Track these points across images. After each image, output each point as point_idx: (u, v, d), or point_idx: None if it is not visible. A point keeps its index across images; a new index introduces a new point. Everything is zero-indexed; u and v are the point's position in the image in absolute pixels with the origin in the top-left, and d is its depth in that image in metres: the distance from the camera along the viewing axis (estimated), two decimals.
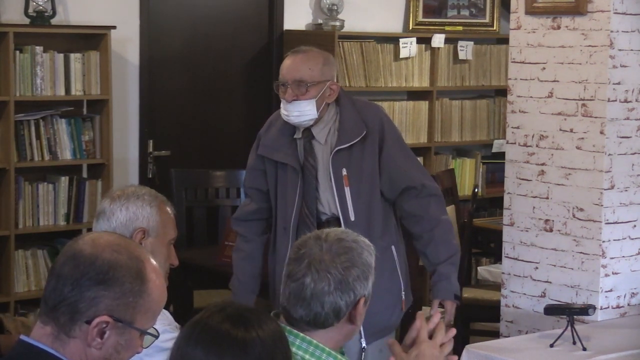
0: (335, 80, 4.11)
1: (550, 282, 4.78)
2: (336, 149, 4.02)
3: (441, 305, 4.16)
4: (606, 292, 4.63)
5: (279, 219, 4.13)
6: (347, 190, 4.03)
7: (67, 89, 5.92)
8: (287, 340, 2.19)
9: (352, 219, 4.01)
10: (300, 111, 4.00)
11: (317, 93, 4.02)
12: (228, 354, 2.05)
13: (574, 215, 4.69)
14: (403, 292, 4.18)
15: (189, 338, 2.10)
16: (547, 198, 4.79)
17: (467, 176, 7.58)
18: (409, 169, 4.12)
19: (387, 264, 4.10)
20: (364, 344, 3.94)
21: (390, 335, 4.21)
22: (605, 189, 4.59)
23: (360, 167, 4.05)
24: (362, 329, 3.79)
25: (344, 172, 4.03)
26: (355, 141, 4.03)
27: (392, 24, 7.41)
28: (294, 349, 2.48)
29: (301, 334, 2.57)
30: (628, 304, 4.70)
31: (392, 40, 7.16)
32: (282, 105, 4.05)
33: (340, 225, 3.97)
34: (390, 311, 4.11)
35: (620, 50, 4.58)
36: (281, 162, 4.09)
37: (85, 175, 6.13)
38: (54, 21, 6.02)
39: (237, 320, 2.09)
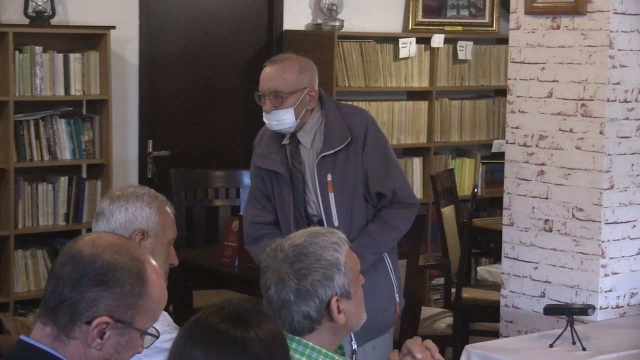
0: (315, 86, 4.13)
1: (550, 282, 4.79)
2: (321, 155, 4.05)
3: None
4: (606, 292, 4.63)
5: (282, 223, 4.16)
6: (331, 195, 4.06)
7: (67, 89, 5.91)
8: (286, 340, 2.19)
9: (336, 224, 4.04)
10: (279, 120, 4.07)
11: (294, 102, 4.06)
12: (227, 353, 2.05)
13: (573, 215, 4.69)
14: (397, 295, 4.20)
15: (188, 338, 2.10)
16: (547, 198, 4.79)
17: (467, 176, 7.58)
18: (383, 176, 4.13)
19: (378, 265, 4.12)
20: (354, 346, 3.95)
21: (384, 335, 4.22)
22: (604, 189, 4.59)
23: (345, 173, 4.08)
24: None
25: (329, 177, 4.06)
26: (339, 148, 4.06)
27: (392, 24, 7.41)
28: (290, 352, 2.48)
29: (297, 337, 2.58)
30: (627, 304, 4.70)
31: (392, 40, 7.16)
32: (263, 114, 4.11)
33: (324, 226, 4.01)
34: (382, 312, 4.13)
35: (619, 50, 4.58)
36: (272, 170, 4.12)
37: (84, 175, 6.13)
38: (53, 21, 6.02)
39: (236, 320, 2.09)
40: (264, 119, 4.12)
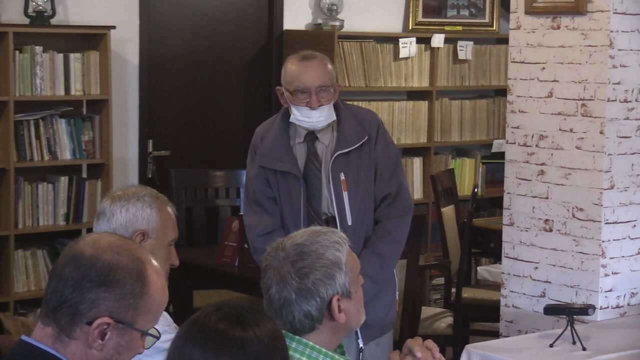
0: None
1: (550, 282, 4.79)
2: (337, 153, 4.04)
3: None
4: (606, 292, 4.63)
5: (289, 223, 4.13)
6: (345, 194, 4.05)
7: (67, 89, 5.91)
8: (285, 340, 2.19)
9: (349, 222, 4.03)
10: (326, 115, 4.05)
11: (334, 95, 4.07)
12: (226, 353, 2.05)
13: (573, 215, 4.69)
14: (397, 293, 4.22)
15: (186, 338, 2.10)
16: (547, 198, 4.79)
17: (467, 176, 7.59)
18: (389, 174, 4.14)
19: None
20: (361, 345, 3.97)
21: (388, 333, 4.23)
22: (605, 189, 4.59)
23: (358, 172, 4.07)
24: (358, 329, 3.82)
25: (342, 176, 4.05)
26: (355, 146, 4.05)
27: (392, 23, 7.41)
28: (290, 352, 2.48)
29: (297, 337, 2.58)
30: (628, 304, 4.70)
31: (392, 40, 7.16)
32: (298, 112, 4.04)
33: (336, 224, 4.01)
34: (386, 310, 4.15)
35: (620, 50, 4.58)
36: (282, 170, 4.09)
37: (84, 175, 6.13)
38: (53, 21, 6.02)
39: (235, 320, 2.09)
40: (303, 118, 4.04)
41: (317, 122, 4.04)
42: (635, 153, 4.67)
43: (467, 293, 5.93)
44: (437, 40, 7.27)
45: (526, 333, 4.78)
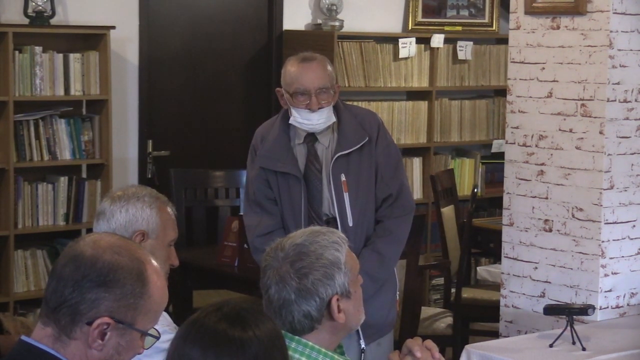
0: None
1: (550, 282, 4.79)
2: (337, 154, 4.04)
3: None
4: (605, 292, 4.63)
5: (290, 224, 4.13)
6: (346, 195, 4.05)
7: (67, 89, 5.91)
8: (284, 340, 2.19)
9: (350, 224, 4.03)
10: (325, 118, 4.04)
11: (334, 97, 4.06)
12: (225, 353, 2.05)
13: (573, 215, 4.69)
14: (398, 293, 4.23)
15: (186, 338, 2.10)
16: (547, 198, 4.79)
17: (467, 176, 7.59)
18: (390, 175, 4.14)
19: None
20: (363, 345, 3.97)
21: (389, 333, 4.23)
22: (604, 189, 4.59)
23: (359, 173, 4.07)
24: (360, 330, 3.82)
25: (343, 177, 4.05)
26: (356, 147, 4.05)
27: (392, 24, 7.41)
28: (290, 352, 2.48)
29: (296, 337, 2.58)
30: (627, 304, 4.70)
31: (392, 40, 7.16)
32: (298, 114, 4.04)
33: (337, 225, 4.01)
34: (387, 310, 4.15)
35: (619, 50, 4.58)
36: (282, 171, 4.09)
37: (84, 175, 6.13)
38: (53, 21, 6.02)
39: (234, 320, 2.09)
40: (303, 120, 4.03)
41: (316, 124, 4.04)
42: (635, 153, 4.67)
43: (467, 293, 5.94)
44: (437, 40, 7.27)
45: (526, 333, 4.78)
